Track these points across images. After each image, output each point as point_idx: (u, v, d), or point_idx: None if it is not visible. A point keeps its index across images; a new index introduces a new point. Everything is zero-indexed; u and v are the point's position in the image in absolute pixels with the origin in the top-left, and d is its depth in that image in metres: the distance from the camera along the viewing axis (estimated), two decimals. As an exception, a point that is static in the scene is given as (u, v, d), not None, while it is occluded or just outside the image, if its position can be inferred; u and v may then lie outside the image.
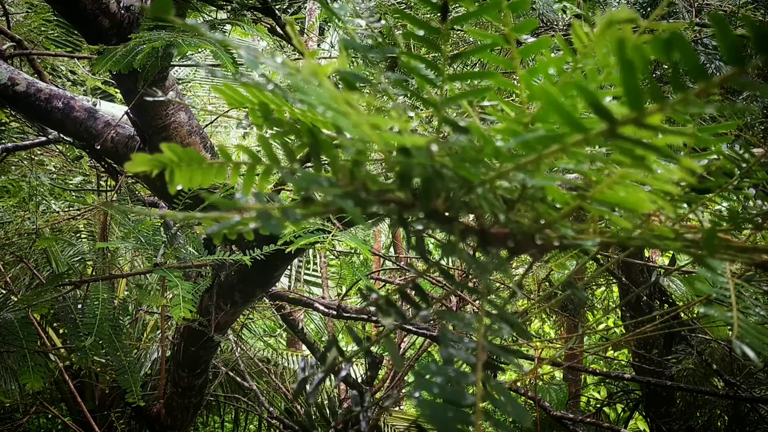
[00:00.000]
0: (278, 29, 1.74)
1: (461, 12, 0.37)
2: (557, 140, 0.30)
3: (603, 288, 4.94)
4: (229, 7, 1.63)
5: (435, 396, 0.36)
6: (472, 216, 0.46)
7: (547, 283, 4.03)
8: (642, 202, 0.35)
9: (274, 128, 0.42)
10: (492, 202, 0.39)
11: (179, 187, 0.44)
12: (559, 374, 5.72)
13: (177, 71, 4.40)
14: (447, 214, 0.40)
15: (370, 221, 0.42)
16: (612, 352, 4.95)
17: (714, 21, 0.23)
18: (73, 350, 1.84)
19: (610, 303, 5.00)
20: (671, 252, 5.83)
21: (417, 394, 0.35)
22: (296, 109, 0.39)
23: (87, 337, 1.60)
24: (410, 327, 2.30)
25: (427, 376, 0.36)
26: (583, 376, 5.65)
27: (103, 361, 1.66)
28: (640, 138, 0.29)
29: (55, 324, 4.27)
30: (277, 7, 1.65)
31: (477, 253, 0.46)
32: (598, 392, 5.76)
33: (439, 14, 0.41)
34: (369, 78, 0.37)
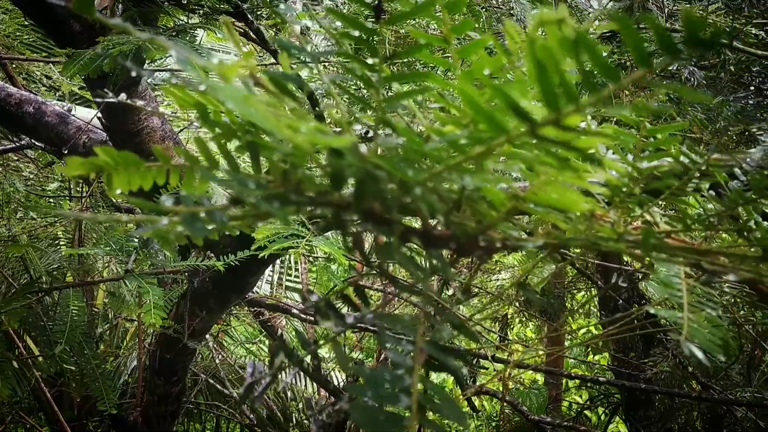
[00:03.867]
0: (251, 33, 1.73)
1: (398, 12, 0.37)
2: (481, 141, 0.30)
3: (583, 293, 4.97)
4: (201, 11, 1.62)
5: (369, 399, 0.35)
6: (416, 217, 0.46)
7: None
8: (575, 203, 0.34)
9: (215, 130, 0.42)
10: (431, 203, 0.38)
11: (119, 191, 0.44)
12: (540, 378, 5.74)
13: (154, 77, 4.36)
14: (387, 216, 0.39)
15: (316, 225, 0.42)
16: (592, 356, 4.98)
17: (619, 23, 0.23)
18: (44, 357, 1.82)
19: (591, 308, 5.02)
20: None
21: (349, 398, 0.35)
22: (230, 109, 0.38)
23: (57, 345, 1.58)
24: (360, 325, 2.29)
25: (361, 380, 0.36)
26: (564, 380, 5.67)
27: (73, 368, 1.64)
28: (564, 140, 0.29)
29: (33, 333, 4.21)
30: (249, 11, 1.64)
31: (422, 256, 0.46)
32: (580, 396, 5.78)
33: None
34: (301, 79, 0.37)
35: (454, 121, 0.37)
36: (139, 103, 1.64)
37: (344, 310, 0.53)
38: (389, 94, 0.42)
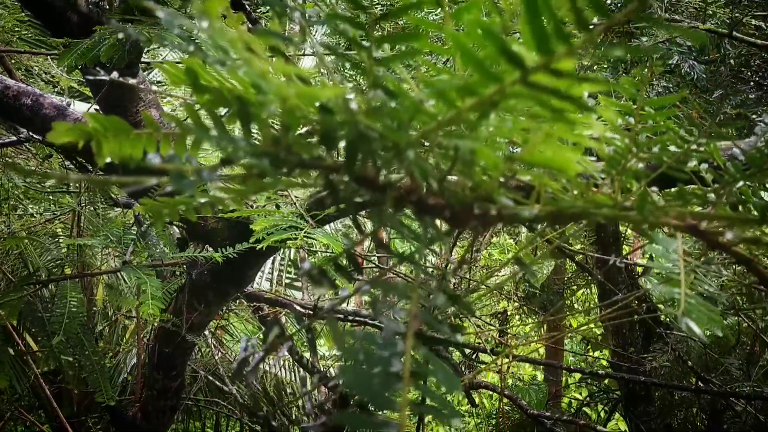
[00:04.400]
0: (248, 24, 1.73)
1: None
2: (472, 91, 0.29)
3: (582, 290, 4.96)
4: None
5: (360, 363, 0.35)
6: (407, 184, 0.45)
7: (526, 284, 4.04)
8: (569, 163, 0.34)
9: (205, 96, 0.41)
10: (424, 167, 0.38)
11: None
12: (540, 375, 5.74)
13: (154, 74, 4.36)
14: (379, 180, 0.39)
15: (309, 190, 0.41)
16: (591, 351, 4.97)
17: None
18: (42, 351, 1.82)
19: (590, 305, 5.02)
20: (648, 255, 5.85)
21: (340, 362, 0.35)
22: (220, 73, 0.38)
23: (54, 336, 1.58)
24: (359, 318, 2.29)
25: (353, 343, 0.35)
26: (564, 377, 5.66)
27: (71, 359, 1.64)
28: (558, 87, 0.28)
29: (32, 328, 4.21)
30: (247, 1, 1.63)
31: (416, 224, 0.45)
32: (579, 393, 5.77)
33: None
34: (288, 36, 0.37)
35: (422, 83, 0.36)
36: (131, 81, 1.63)
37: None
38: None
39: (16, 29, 3.81)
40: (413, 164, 0.38)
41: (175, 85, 0.51)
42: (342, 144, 0.38)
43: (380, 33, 0.40)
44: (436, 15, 1.95)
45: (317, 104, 0.34)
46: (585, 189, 0.44)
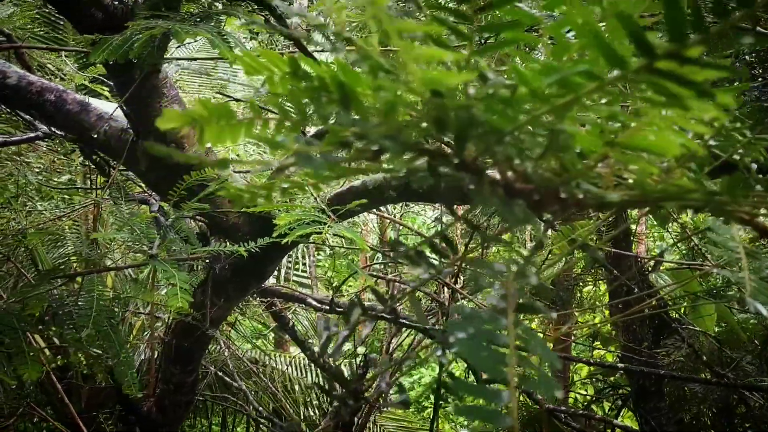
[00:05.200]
0: (273, 21, 1.74)
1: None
2: (596, 77, 0.31)
3: (590, 286, 4.98)
4: (224, -2, 1.63)
5: (470, 336, 0.37)
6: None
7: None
8: (671, 146, 0.35)
9: (303, 83, 0.43)
10: (522, 150, 0.39)
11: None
12: (546, 370, 5.74)
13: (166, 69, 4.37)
14: (479, 164, 0.40)
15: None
16: (601, 350, 4.99)
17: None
18: (66, 344, 1.83)
19: (597, 302, 5.03)
20: (656, 251, 5.87)
21: (454, 335, 0.36)
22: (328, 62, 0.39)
23: (83, 329, 1.60)
24: (404, 321, 2.31)
25: (462, 318, 0.37)
26: (570, 374, 5.68)
27: (99, 352, 1.65)
28: (681, 74, 0.30)
29: (40, 327, 4.23)
30: (272, -1, 1.65)
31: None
32: (585, 390, 5.79)
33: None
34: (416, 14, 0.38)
35: (549, 63, 0.38)
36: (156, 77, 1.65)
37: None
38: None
39: (28, 26, 3.83)
40: (514, 147, 0.40)
41: (249, 74, 0.52)
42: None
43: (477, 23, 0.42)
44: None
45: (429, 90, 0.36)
46: (665, 176, 0.46)
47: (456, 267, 0.41)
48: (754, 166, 0.63)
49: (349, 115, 0.42)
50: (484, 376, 0.35)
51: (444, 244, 0.43)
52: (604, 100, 0.35)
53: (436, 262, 0.44)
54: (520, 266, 0.41)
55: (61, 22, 4.27)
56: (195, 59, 3.65)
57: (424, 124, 0.37)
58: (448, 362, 0.48)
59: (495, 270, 0.40)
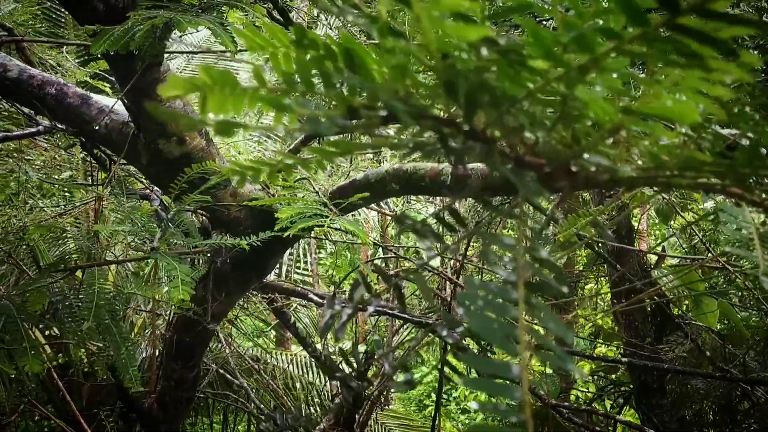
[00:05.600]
0: (275, 14, 1.74)
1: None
2: (615, 35, 0.30)
3: (592, 284, 4.97)
4: (226, -11, 1.62)
5: (480, 308, 0.36)
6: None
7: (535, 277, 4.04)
8: (690, 111, 0.34)
9: (309, 53, 0.42)
10: (535, 118, 0.38)
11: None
12: (548, 368, 5.74)
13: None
14: (489, 133, 0.39)
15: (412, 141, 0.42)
16: (603, 344, 4.97)
17: None
18: (67, 338, 1.82)
19: (599, 300, 5.02)
20: (659, 249, 5.85)
21: (463, 306, 0.35)
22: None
23: (84, 323, 1.59)
24: (405, 315, 2.30)
25: (472, 291, 0.36)
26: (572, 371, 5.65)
27: (101, 345, 1.64)
28: (704, 30, 0.29)
29: (41, 325, 4.22)
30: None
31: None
32: (587, 388, 5.78)
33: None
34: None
35: (559, 23, 0.37)
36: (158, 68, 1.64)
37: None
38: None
39: (30, 22, 3.82)
40: (525, 114, 0.39)
41: (252, 50, 0.51)
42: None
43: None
44: None
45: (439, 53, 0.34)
46: (679, 148, 0.45)
47: (464, 244, 0.40)
48: (764, 151, 0.62)
49: (357, 79, 0.41)
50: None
51: (452, 218, 0.42)
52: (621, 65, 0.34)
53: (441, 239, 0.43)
54: (529, 239, 0.40)
55: (63, 19, 4.27)
56: (197, 52, 3.64)
57: (433, 94, 0.36)
58: (453, 343, 0.47)
59: (505, 243, 0.39)
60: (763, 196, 0.54)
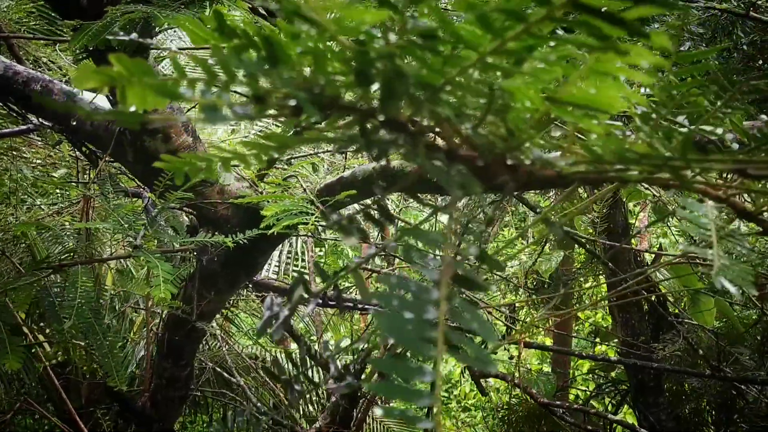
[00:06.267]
0: (259, 9, 1.72)
1: None
2: (519, 16, 0.28)
3: (590, 282, 4.94)
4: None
5: (395, 309, 0.34)
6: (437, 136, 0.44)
7: (534, 275, 4.03)
8: (614, 100, 0.33)
9: (233, 41, 0.40)
10: (459, 110, 0.37)
11: (134, 108, 0.42)
12: (547, 368, 5.72)
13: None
14: (413, 123, 0.38)
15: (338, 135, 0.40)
16: (600, 342, 4.95)
17: None
18: (53, 336, 1.81)
19: (596, 298, 4.99)
20: (656, 247, 5.82)
21: (375, 307, 0.34)
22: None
23: (66, 321, 1.58)
24: (368, 307, 2.28)
25: (388, 289, 0.34)
26: (571, 370, 5.65)
27: (82, 344, 1.63)
28: (612, 10, 0.27)
29: (41, 324, 4.21)
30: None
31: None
32: (587, 387, 5.76)
33: None
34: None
35: (461, 4, 0.35)
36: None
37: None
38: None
39: (24, 20, 3.81)
40: (447, 105, 0.37)
41: (196, 43, 0.50)
42: (375, 86, 0.37)
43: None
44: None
45: (352, 39, 0.33)
46: (621, 141, 0.43)
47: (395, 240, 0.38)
48: (730, 136, 0.60)
49: (276, 72, 0.39)
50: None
51: (380, 214, 0.40)
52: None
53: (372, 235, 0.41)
54: (463, 238, 0.38)
55: (60, 18, 4.26)
56: (189, 49, 3.62)
57: (348, 78, 0.34)
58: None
59: (430, 238, 0.37)
60: (729, 192, 0.52)
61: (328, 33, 0.31)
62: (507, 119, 0.38)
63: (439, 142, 0.43)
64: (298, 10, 0.30)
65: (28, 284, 1.67)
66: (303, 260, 5.60)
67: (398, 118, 0.37)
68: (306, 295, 0.48)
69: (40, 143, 3.57)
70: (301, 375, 0.50)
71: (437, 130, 0.40)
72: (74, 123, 1.72)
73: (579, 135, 0.46)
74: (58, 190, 3.76)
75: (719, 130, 0.57)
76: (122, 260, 3.02)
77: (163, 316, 3.31)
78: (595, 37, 0.28)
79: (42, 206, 3.63)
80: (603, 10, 0.27)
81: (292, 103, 0.34)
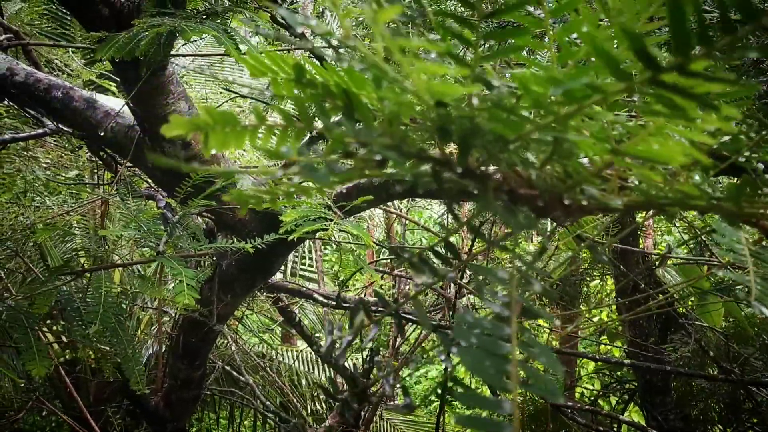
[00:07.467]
0: (279, 18, 1.75)
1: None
2: (600, 90, 0.31)
3: (597, 281, 4.97)
4: (230, -5, 1.63)
5: (472, 345, 0.37)
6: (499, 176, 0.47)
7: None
8: (675, 155, 0.35)
9: (308, 91, 0.43)
10: (525, 159, 0.39)
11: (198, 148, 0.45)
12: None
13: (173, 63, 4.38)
14: (482, 171, 0.40)
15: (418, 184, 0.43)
16: (607, 345, 4.98)
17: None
18: (74, 339, 1.84)
19: (604, 297, 5.02)
20: (664, 245, 5.84)
21: (455, 345, 0.36)
22: (335, 70, 0.39)
23: (91, 326, 1.61)
24: (409, 316, 2.31)
25: (465, 327, 0.37)
26: (577, 369, 5.68)
27: (107, 348, 1.66)
28: (685, 86, 0.30)
29: (48, 321, 4.25)
30: (278, -5, 1.65)
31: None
32: (592, 385, 5.79)
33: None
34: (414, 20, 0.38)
35: (552, 70, 0.38)
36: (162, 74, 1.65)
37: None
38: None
39: (36, 22, 3.84)
40: (515, 155, 0.40)
41: (253, 75, 0.52)
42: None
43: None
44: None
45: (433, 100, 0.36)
46: (669, 180, 0.46)
47: (459, 270, 0.41)
48: (761, 166, 0.63)
49: (353, 123, 0.42)
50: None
51: (448, 252, 0.43)
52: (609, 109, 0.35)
53: (439, 268, 0.44)
54: (523, 273, 0.41)
55: (69, 18, 4.28)
56: (200, 55, 3.65)
57: (428, 133, 0.37)
58: (453, 366, 0.48)
59: (498, 277, 0.40)
60: (761, 212, 0.55)
61: (419, 96, 0.33)
62: (566, 164, 0.41)
63: (498, 179, 0.45)
64: (387, 75, 0.33)
65: (52, 290, 1.70)
66: (311, 259, 5.64)
67: (468, 165, 0.40)
68: (367, 321, 0.51)
69: (51, 144, 3.61)
70: (360, 394, 0.53)
71: (500, 174, 0.43)
72: (102, 133, 1.75)
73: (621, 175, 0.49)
74: (69, 191, 3.80)
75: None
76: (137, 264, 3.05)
77: (175, 316, 3.35)
78: (668, 107, 0.31)
79: (53, 206, 3.66)
80: (675, 85, 0.30)
81: (378, 157, 0.37)
